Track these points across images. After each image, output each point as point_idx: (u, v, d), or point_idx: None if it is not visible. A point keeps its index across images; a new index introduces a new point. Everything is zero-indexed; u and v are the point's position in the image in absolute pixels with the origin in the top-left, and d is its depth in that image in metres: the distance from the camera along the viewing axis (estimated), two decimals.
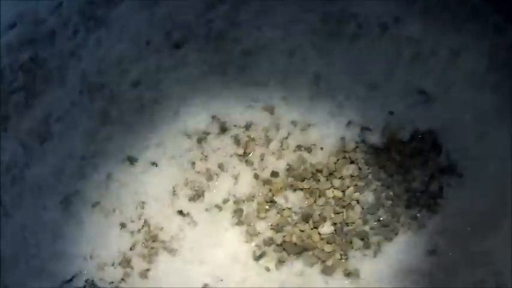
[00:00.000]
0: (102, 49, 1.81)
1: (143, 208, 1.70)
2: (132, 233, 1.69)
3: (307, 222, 1.60)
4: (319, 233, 1.58)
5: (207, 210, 1.66)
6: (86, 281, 1.67)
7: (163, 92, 1.74)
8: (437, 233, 1.48)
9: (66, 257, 1.69)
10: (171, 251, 1.64)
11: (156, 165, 1.71)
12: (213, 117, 1.71)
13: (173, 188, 1.69)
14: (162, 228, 1.68)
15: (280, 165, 1.66)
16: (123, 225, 1.68)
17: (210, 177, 1.68)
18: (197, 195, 1.68)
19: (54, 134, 1.76)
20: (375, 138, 1.60)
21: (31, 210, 1.73)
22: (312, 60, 1.67)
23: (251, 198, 1.65)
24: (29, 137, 1.78)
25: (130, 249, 1.67)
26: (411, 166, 1.53)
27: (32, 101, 1.81)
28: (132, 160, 1.72)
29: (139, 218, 1.70)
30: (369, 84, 1.62)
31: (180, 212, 1.67)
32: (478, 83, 1.50)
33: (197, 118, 1.72)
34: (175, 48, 1.78)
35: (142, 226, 1.69)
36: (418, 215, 1.51)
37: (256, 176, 1.66)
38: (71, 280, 1.68)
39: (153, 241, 1.67)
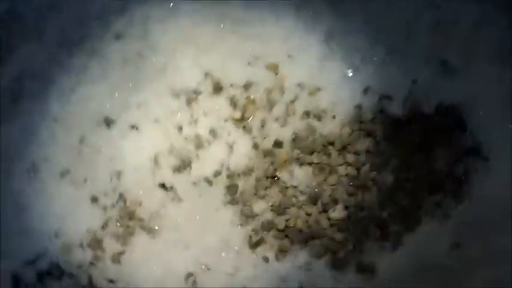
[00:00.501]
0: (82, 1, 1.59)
1: (119, 179, 1.48)
2: (104, 208, 1.47)
3: (315, 204, 1.39)
4: (328, 218, 1.39)
5: (194, 184, 1.45)
6: (50, 263, 1.47)
7: (149, 46, 1.53)
8: (462, 224, 1.35)
9: (30, 233, 1.50)
10: (150, 232, 1.45)
11: (137, 129, 1.49)
12: (206, 74, 1.48)
13: (155, 156, 1.47)
14: (140, 204, 1.47)
15: (285, 134, 1.44)
16: (94, 199, 1.47)
17: (199, 145, 1.46)
18: (183, 166, 1.46)
19: (28, 92, 1.56)
20: (395, 109, 1.42)
21: None
22: (324, 15, 1.48)
23: (248, 172, 1.43)
24: (1, 96, 1.58)
25: (102, 227, 1.47)
26: (434, 144, 1.38)
27: (7, 57, 1.60)
28: (109, 122, 1.50)
29: (114, 191, 1.48)
30: (388, 47, 1.45)
31: (163, 185, 1.46)
32: (502, 59, 1.39)
33: (187, 75, 1.49)
34: None
35: (117, 200, 1.47)
36: (442, 201, 1.36)
37: (255, 146, 1.45)
38: (34, 261, 1.48)
39: (129, 219, 1.47)
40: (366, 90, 1.43)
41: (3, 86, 1.57)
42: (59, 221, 1.49)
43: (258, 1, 1.51)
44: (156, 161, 1.47)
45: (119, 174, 1.48)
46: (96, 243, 1.47)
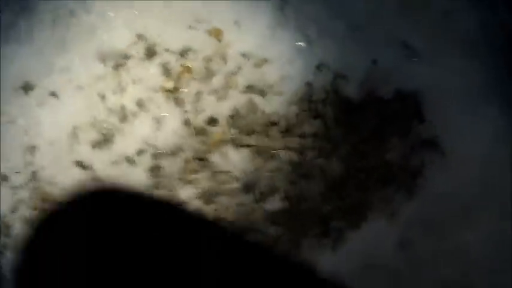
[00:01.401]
0: None
1: (32, 155, 1.30)
2: (14, 188, 1.29)
3: (250, 193, 1.22)
4: (264, 209, 1.21)
5: (114, 163, 1.27)
6: None
7: (81, 4, 1.35)
8: (412, 221, 1.26)
9: None
10: None
11: (57, 97, 1.31)
12: (139, 36, 1.30)
13: (73, 128, 1.29)
14: (55, 184, 1.28)
15: (222, 110, 1.27)
16: (4, 178, 1.29)
17: (124, 118, 1.28)
18: (104, 141, 1.28)
19: None
20: (350, 90, 1.28)
21: None
22: None
23: (176, 152, 1.25)
24: None
25: (12, 211, 1.29)
26: (389, 133, 1.27)
27: None
28: (27, 88, 1.32)
29: (26, 168, 1.30)
30: (349, 22, 1.32)
31: (80, 164, 1.28)
32: (469, 51, 1.32)
33: (117, 36, 1.31)
34: None
35: (30, 179, 1.29)
36: (393, 196, 1.26)
37: (187, 122, 1.27)
38: None
39: (43, 200, 1.28)
40: (319, 67, 1.27)
41: None
42: None
43: None
44: (74, 134, 1.30)
45: (32, 150, 1.30)
46: (5, 229, 1.30)
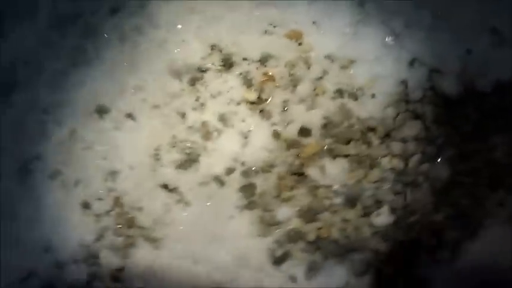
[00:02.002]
0: None
1: (114, 180, 1.25)
2: (98, 215, 1.26)
3: (354, 208, 1.15)
4: (371, 225, 1.14)
5: (202, 184, 1.21)
6: (41, 282, 1.29)
7: (148, 18, 1.31)
8: None
9: (22, 246, 1.31)
10: (154, 242, 1.23)
11: (133, 118, 1.26)
12: (213, 47, 1.24)
13: (155, 150, 1.24)
14: (140, 209, 1.24)
15: (313, 119, 1.20)
16: (86, 205, 1.26)
17: (207, 135, 1.23)
18: (189, 162, 1.23)
19: (19, 82, 1.38)
20: (447, 85, 1.19)
21: None
22: None
23: (268, 168, 1.19)
24: None
25: (97, 239, 1.26)
26: (493, 128, 1.18)
27: None
28: (102, 111, 1.28)
29: (109, 195, 1.25)
30: (434, 11, 1.22)
31: (165, 186, 1.23)
32: None
33: (189, 49, 1.25)
34: None
35: (113, 205, 1.25)
36: (505, 199, 1.16)
37: (276, 135, 1.20)
38: (26, 278, 1.30)
39: (129, 227, 1.25)
40: (412, 62, 1.20)
41: None
42: (49, 232, 1.30)
43: None
44: (156, 156, 1.25)
45: (113, 175, 1.26)
46: (91, 258, 1.27)
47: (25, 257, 1.31)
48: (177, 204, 1.23)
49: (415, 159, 1.15)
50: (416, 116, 1.17)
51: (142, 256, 1.24)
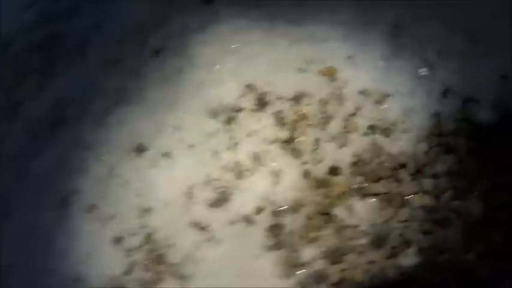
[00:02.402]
0: (123, 16, 1.53)
1: (147, 216, 1.29)
2: (128, 250, 1.27)
3: (381, 248, 1.09)
4: (398, 266, 1.07)
5: (231, 223, 1.21)
6: None
7: (188, 59, 1.37)
8: None
9: (57, 274, 1.33)
10: (182, 278, 1.21)
11: (169, 157, 1.31)
12: (248, 86, 1.29)
13: (189, 188, 1.27)
14: (170, 246, 1.25)
15: (344, 157, 1.18)
16: (118, 240, 1.29)
17: (239, 174, 1.24)
18: (221, 200, 1.24)
19: (65, 119, 1.47)
20: (482, 115, 1.15)
21: (31, 212, 1.42)
22: (388, 6, 1.27)
23: (297, 207, 1.17)
24: (39, 124, 1.50)
25: (126, 273, 1.25)
26: None
27: (46, 83, 1.54)
28: (140, 150, 1.34)
29: (141, 230, 1.28)
30: (468, 35, 1.21)
31: (196, 225, 1.24)
32: None
33: (225, 89, 1.30)
34: (206, 3, 1.45)
35: (145, 241, 1.27)
36: None
37: (306, 174, 1.19)
38: None
39: (158, 263, 1.24)
40: (445, 93, 1.18)
41: (41, 114, 1.50)
42: (80, 263, 1.32)
43: None
44: (189, 194, 1.27)
45: (147, 211, 1.30)
46: None
47: (55, 286, 1.32)
48: (207, 242, 1.22)
49: (446, 195, 1.11)
50: (449, 150, 1.14)
51: None
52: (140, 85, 1.41)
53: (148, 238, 1.29)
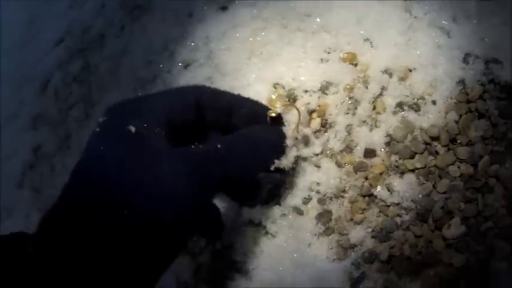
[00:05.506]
0: (147, 36, 1.53)
1: None
2: (193, 256, 1.27)
3: (426, 222, 1.07)
4: (443, 237, 1.04)
5: (283, 215, 1.19)
6: None
7: (216, 68, 1.35)
8: None
9: None
10: (246, 273, 1.19)
11: None
12: (276, 86, 1.25)
13: None
14: (231, 246, 1.23)
15: (377, 138, 1.15)
16: None
17: None
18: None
19: None
20: (508, 74, 1.07)
21: None
22: None
23: (340, 193, 1.16)
24: None
25: (194, 275, 1.25)
26: None
27: (90, 112, 1.55)
28: None
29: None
30: None
31: (250, 222, 1.22)
32: None
33: (254, 91, 1.24)
34: (222, 11, 1.42)
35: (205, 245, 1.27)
36: None
37: (343, 160, 1.16)
38: None
39: (223, 263, 1.23)
40: (465, 58, 1.13)
41: None
42: None
43: None
44: None
45: None
46: None
47: None
48: (264, 236, 1.21)
49: (484, 161, 1.05)
50: (480, 115, 1.09)
51: (236, 285, 1.22)
52: None
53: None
